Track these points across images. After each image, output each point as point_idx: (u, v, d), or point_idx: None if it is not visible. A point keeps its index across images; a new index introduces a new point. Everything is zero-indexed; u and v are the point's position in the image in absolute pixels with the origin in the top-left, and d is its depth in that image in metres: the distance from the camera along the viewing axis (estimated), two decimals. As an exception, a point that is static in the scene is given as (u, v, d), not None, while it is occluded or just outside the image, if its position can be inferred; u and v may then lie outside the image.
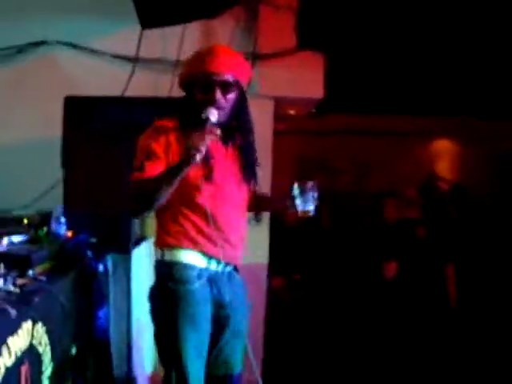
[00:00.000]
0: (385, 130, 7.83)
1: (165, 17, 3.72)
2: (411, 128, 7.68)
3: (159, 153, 2.42)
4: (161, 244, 2.54)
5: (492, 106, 6.15)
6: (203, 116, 2.37)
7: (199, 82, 2.48)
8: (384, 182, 7.36)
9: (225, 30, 4.22)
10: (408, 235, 4.90)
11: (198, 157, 2.23)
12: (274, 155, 4.40)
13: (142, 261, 3.49)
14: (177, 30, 4.08)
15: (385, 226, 5.21)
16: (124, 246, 3.37)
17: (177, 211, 2.48)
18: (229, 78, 2.49)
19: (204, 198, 2.44)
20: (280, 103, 4.44)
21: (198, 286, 2.46)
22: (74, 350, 2.68)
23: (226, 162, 2.55)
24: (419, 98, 4.77)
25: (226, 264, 2.56)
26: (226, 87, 2.49)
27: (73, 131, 3.81)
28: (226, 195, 2.54)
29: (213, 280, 2.52)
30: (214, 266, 2.52)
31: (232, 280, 2.60)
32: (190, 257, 2.47)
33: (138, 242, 3.54)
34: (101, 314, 3.10)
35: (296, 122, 6.40)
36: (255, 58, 4.23)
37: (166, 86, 3.94)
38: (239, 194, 2.61)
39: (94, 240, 3.14)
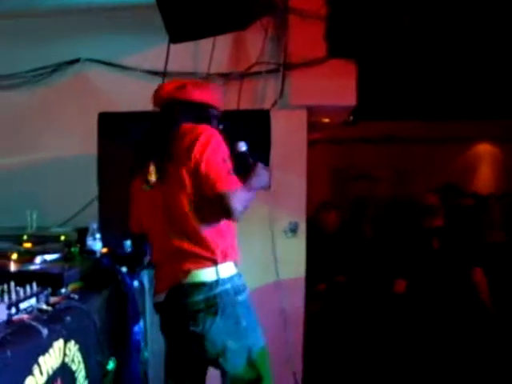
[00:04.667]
0: (422, 137, 7.70)
1: (194, 31, 3.71)
2: (449, 134, 7.52)
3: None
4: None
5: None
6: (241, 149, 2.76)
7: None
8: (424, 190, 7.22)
9: (255, 40, 4.19)
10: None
11: None
12: (308, 165, 4.36)
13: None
14: (207, 42, 4.08)
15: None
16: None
17: (217, 225, 2.61)
18: None
19: None
20: (313, 112, 4.40)
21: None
22: (111, 366, 2.67)
23: None
24: (454, 103, 4.67)
25: None
26: None
27: (107, 147, 3.84)
28: None
29: None
30: None
31: None
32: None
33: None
34: (137, 329, 3.09)
35: (331, 130, 6.34)
36: (286, 67, 4.20)
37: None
38: None
39: (129, 255, 3.14)
